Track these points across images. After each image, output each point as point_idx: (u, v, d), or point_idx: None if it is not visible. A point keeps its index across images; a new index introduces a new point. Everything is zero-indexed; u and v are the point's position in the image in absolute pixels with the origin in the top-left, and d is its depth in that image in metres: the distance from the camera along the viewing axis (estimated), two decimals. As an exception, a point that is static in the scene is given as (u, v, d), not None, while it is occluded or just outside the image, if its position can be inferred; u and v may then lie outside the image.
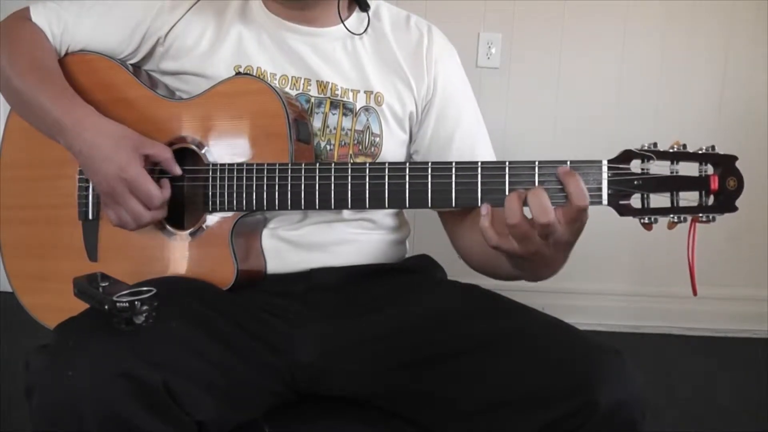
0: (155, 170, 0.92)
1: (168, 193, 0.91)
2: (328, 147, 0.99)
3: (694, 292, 0.79)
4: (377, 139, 1.00)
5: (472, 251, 1.01)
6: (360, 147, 1.00)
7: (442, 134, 1.04)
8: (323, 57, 1.00)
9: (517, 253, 0.80)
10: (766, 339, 2.26)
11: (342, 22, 1.01)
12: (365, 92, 1.00)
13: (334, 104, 0.99)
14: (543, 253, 0.79)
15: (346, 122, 0.99)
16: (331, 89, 0.99)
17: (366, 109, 1.00)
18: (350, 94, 1.00)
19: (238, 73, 0.96)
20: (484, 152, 1.05)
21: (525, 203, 0.77)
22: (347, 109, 0.99)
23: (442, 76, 1.04)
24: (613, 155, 0.79)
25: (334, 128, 0.99)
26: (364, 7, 1.04)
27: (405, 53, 1.03)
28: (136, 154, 0.89)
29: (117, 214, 0.91)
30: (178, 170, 0.92)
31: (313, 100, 0.99)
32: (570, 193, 0.76)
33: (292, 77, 0.99)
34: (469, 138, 1.04)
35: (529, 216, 0.77)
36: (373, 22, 1.04)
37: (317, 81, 0.99)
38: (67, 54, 1.01)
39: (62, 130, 0.91)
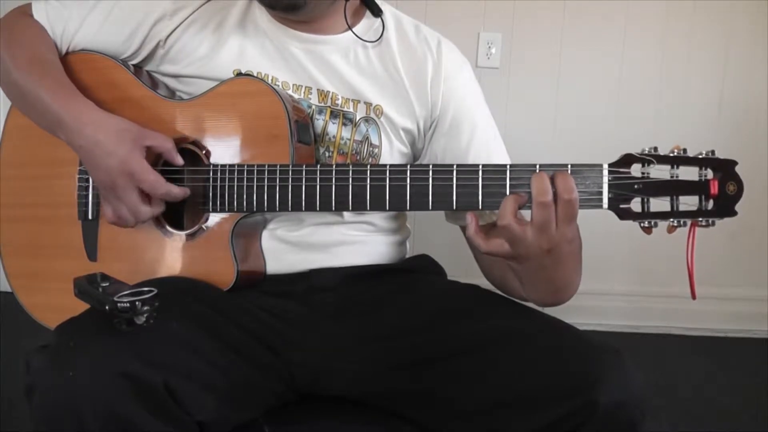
0: (158, 163, 0.92)
1: (179, 191, 0.90)
2: (326, 154, 0.99)
3: (693, 297, 0.79)
4: (375, 150, 0.99)
5: (492, 270, 0.99)
6: (358, 157, 0.99)
7: (456, 150, 1.01)
8: (324, 66, 0.98)
9: (511, 256, 0.80)
10: (766, 339, 2.26)
11: (350, 28, 0.99)
12: (365, 103, 0.99)
13: (334, 113, 0.98)
14: (540, 260, 0.79)
15: (346, 132, 0.98)
16: (331, 98, 0.98)
17: (366, 119, 0.99)
18: (350, 104, 0.99)
19: (239, 74, 0.96)
20: (500, 162, 1.01)
21: (521, 206, 0.78)
22: (347, 119, 0.98)
23: (454, 94, 1.01)
24: (612, 155, 0.79)
25: (333, 136, 0.98)
26: (376, 13, 1.01)
27: (408, 69, 1.00)
28: (137, 146, 0.89)
29: (115, 210, 0.91)
30: (179, 160, 0.92)
31: (314, 107, 0.98)
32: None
33: (293, 84, 0.98)
34: (485, 151, 1.01)
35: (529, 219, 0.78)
36: (380, 29, 1.01)
37: (318, 90, 0.98)
38: (67, 53, 1.00)
39: (62, 125, 0.91)
